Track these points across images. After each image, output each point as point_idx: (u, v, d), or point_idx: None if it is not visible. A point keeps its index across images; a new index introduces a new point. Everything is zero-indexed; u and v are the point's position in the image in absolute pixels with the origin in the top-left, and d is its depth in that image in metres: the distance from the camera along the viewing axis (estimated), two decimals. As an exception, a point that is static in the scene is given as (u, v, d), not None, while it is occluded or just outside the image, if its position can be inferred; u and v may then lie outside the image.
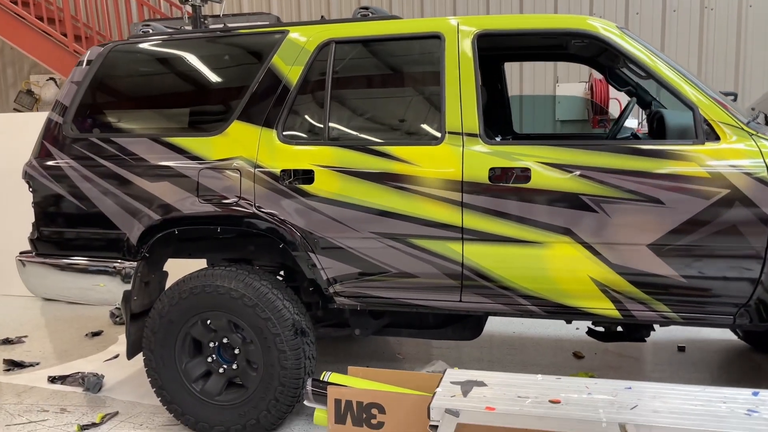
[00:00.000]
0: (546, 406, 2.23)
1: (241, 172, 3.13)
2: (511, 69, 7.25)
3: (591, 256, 2.81)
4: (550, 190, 2.82)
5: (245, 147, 3.15)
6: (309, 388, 2.90)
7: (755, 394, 2.30)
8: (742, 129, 2.70)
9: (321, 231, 3.07)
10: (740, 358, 4.28)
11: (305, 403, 2.94)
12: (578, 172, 2.79)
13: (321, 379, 2.96)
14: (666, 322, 2.88)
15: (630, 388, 2.38)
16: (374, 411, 2.77)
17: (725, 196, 2.62)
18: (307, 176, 3.07)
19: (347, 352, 4.56)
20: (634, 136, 3.77)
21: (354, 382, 2.94)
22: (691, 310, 2.80)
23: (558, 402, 2.26)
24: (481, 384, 2.44)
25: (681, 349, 4.45)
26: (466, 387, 2.41)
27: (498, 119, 4.44)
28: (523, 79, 7.28)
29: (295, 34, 3.22)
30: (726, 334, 4.62)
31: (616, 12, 7.09)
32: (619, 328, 3.36)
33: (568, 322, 3.47)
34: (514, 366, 4.24)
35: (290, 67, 3.17)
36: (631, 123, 6.32)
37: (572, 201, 2.79)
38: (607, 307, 2.88)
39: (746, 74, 6.89)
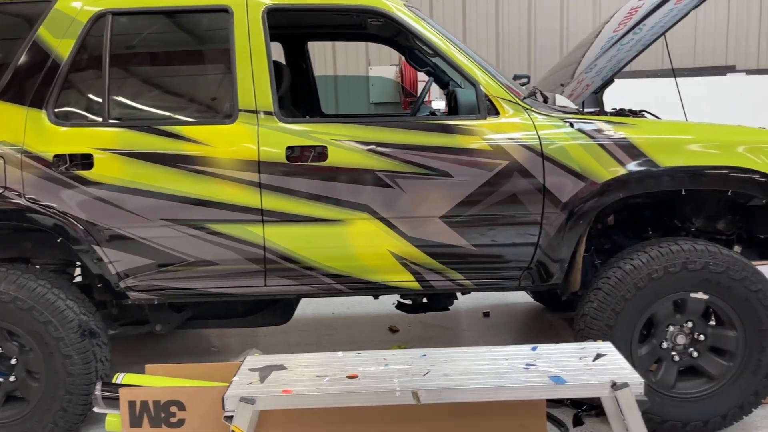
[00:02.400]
0: (343, 382, 2.23)
1: (5, 158, 2.76)
2: (324, 49, 7.25)
3: (389, 230, 2.86)
4: (347, 167, 2.81)
5: (9, 130, 2.78)
6: (98, 392, 2.65)
7: (534, 348, 2.49)
8: (518, 104, 2.88)
9: (106, 221, 2.80)
10: (536, 319, 4.67)
11: (95, 409, 2.69)
12: (373, 149, 2.81)
13: (113, 381, 2.72)
14: (462, 289, 3.03)
15: (425, 355, 2.46)
16: (173, 409, 2.60)
17: (505, 167, 2.79)
18: (86, 161, 2.78)
19: (157, 349, 4.28)
20: (432, 114, 3.90)
21: (151, 381, 2.74)
22: (482, 277, 2.96)
23: (355, 377, 2.27)
24: (281, 367, 2.38)
25: (486, 314, 4.76)
26: (265, 372, 2.33)
27: (304, 100, 4.38)
28: (337, 60, 7.31)
29: (64, 3, 2.89)
30: (525, 298, 5.02)
31: (421, 1, 7.38)
32: (425, 299, 3.48)
33: (376, 297, 3.54)
34: (332, 346, 4.25)
35: (60, 41, 2.84)
36: (440, 104, 6.61)
37: (369, 177, 2.81)
38: (407, 280, 2.96)
39: (537, 58, 7.51)
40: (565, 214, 2.82)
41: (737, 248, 3.18)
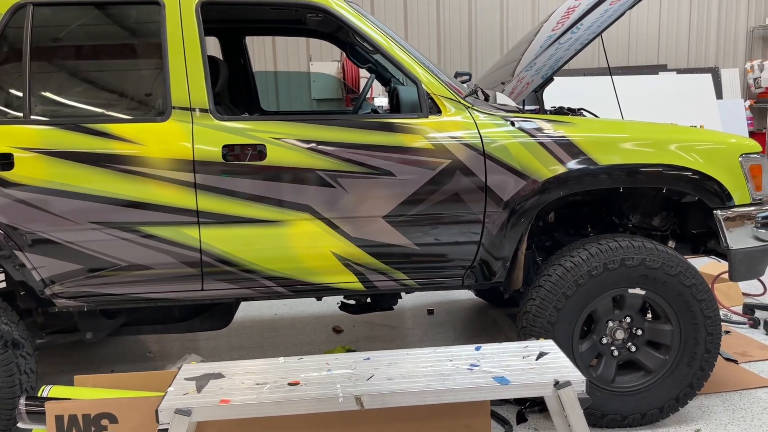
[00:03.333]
0: (284, 389, 2.15)
1: None
2: (264, 45, 7.10)
3: (331, 231, 2.80)
4: (287, 166, 2.73)
5: None
6: (22, 407, 2.49)
7: (477, 348, 2.48)
8: (460, 102, 2.87)
9: (28, 225, 2.63)
10: (480, 315, 4.70)
11: (19, 425, 2.53)
12: (313, 148, 2.74)
13: (39, 394, 2.57)
14: (406, 289, 2.99)
15: (368, 358, 2.41)
16: (105, 422, 2.47)
17: (447, 166, 2.77)
18: (6, 161, 2.61)
19: (90, 357, 4.09)
20: (374, 112, 3.85)
21: (80, 393, 2.60)
22: (425, 276, 2.93)
23: (297, 383, 2.20)
24: (219, 376, 2.29)
25: (430, 312, 4.76)
26: (202, 381, 2.24)
27: (243, 96, 4.26)
28: (277, 55, 7.17)
29: (-21, -7, 2.70)
30: (469, 295, 5.05)
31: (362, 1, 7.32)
32: (369, 300, 3.44)
33: (319, 299, 3.48)
34: (274, 349, 4.16)
35: (-25, 32, 2.65)
36: (382, 102, 6.57)
37: (310, 177, 2.74)
38: (350, 281, 2.90)
39: (478, 56, 7.57)
40: (507, 212, 2.82)
41: (671, 243, 3.27)
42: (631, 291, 2.84)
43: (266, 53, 7.11)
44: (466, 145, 2.78)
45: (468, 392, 2.11)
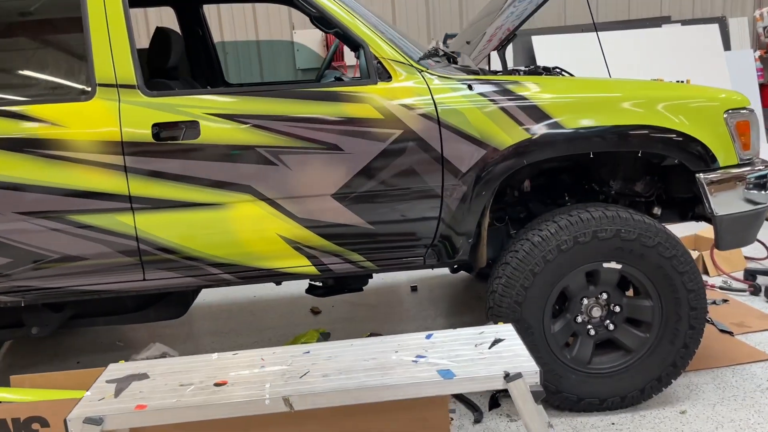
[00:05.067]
0: (209, 391, 1.97)
1: None
2: (245, 13, 6.82)
3: (276, 212, 2.59)
4: (223, 144, 2.51)
5: None
6: (-52, 413, 2.35)
7: (428, 336, 2.27)
8: (412, 66, 2.61)
9: (-53, 219, 2.46)
10: (464, 290, 4.48)
11: (-53, 432, 2.39)
12: (250, 122, 2.51)
13: (-30, 398, 2.43)
14: (364, 271, 2.78)
15: (308, 352, 2.22)
16: (35, 426, 2.33)
17: (399, 137, 2.53)
18: None
19: (58, 349, 3.95)
20: (338, 80, 3.60)
21: (15, 395, 2.45)
22: (383, 257, 2.71)
23: (224, 383, 2.01)
24: (143, 377, 2.11)
25: (413, 288, 4.55)
26: (123, 384, 2.06)
27: (204, 69, 4.03)
28: (258, 24, 6.88)
29: None
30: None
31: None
32: (332, 282, 3.24)
33: (277, 284, 3.28)
34: (249, 333, 4.01)
35: None
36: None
37: (249, 155, 2.52)
38: (302, 264, 2.70)
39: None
40: (467, 184, 2.58)
41: (657, 210, 3.01)
42: (605, 265, 2.60)
43: (247, 22, 6.83)
44: (419, 113, 2.53)
45: (407, 388, 1.91)
